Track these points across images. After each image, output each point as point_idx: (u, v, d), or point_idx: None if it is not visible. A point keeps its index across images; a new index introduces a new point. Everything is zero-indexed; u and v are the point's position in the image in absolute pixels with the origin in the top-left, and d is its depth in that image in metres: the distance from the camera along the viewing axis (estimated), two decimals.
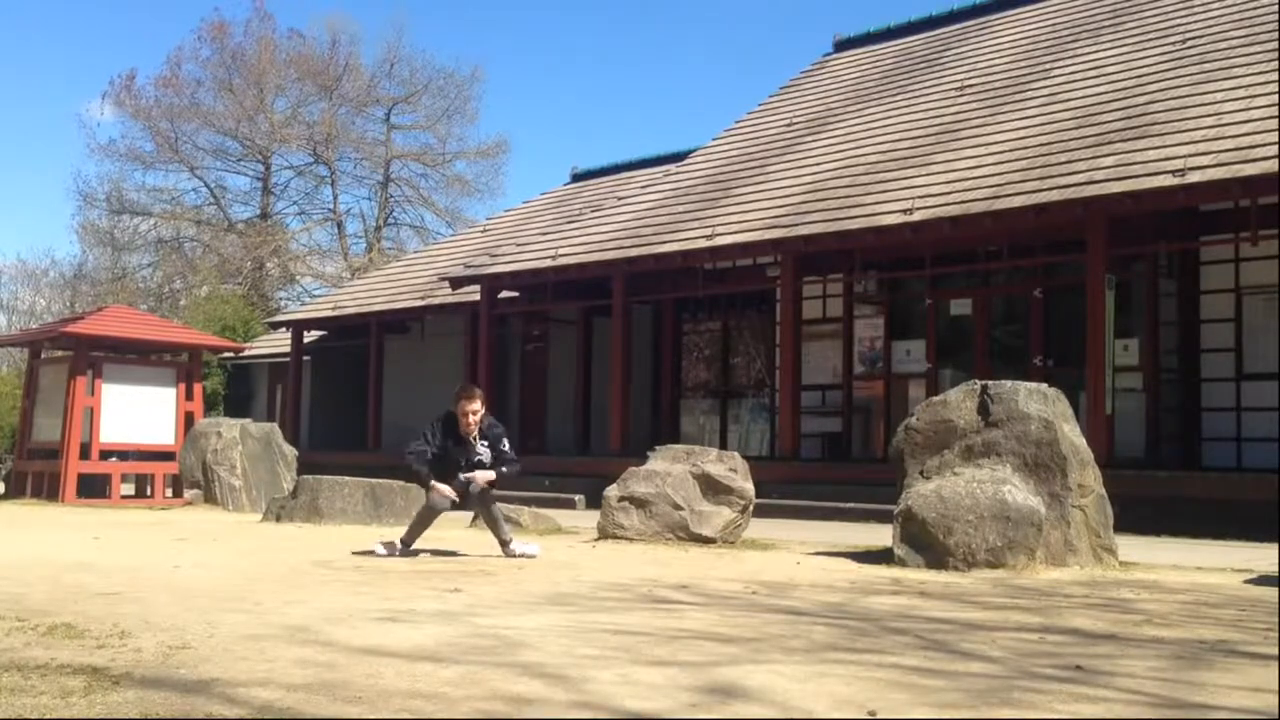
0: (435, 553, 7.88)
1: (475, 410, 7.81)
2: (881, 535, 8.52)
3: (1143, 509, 10.14)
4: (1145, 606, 5.53)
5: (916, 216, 13.29)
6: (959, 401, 7.76)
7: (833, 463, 15.04)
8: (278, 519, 10.70)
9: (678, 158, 21.37)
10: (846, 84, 19.81)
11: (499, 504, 8.13)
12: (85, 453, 14.91)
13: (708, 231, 15.52)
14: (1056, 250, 13.24)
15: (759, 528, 9.47)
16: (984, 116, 15.52)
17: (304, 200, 40.86)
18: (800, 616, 5.00)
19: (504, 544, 7.74)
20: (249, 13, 50.50)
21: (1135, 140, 12.62)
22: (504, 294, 18.93)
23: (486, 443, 7.87)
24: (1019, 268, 14.13)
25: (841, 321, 16.17)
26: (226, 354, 22.97)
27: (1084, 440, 7.69)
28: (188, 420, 15.20)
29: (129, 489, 15.73)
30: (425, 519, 7.82)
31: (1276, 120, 11.50)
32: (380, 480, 11.25)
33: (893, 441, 8.26)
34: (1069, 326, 13.56)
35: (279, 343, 25.07)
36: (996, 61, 17.55)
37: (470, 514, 10.39)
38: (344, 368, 23.02)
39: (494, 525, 7.92)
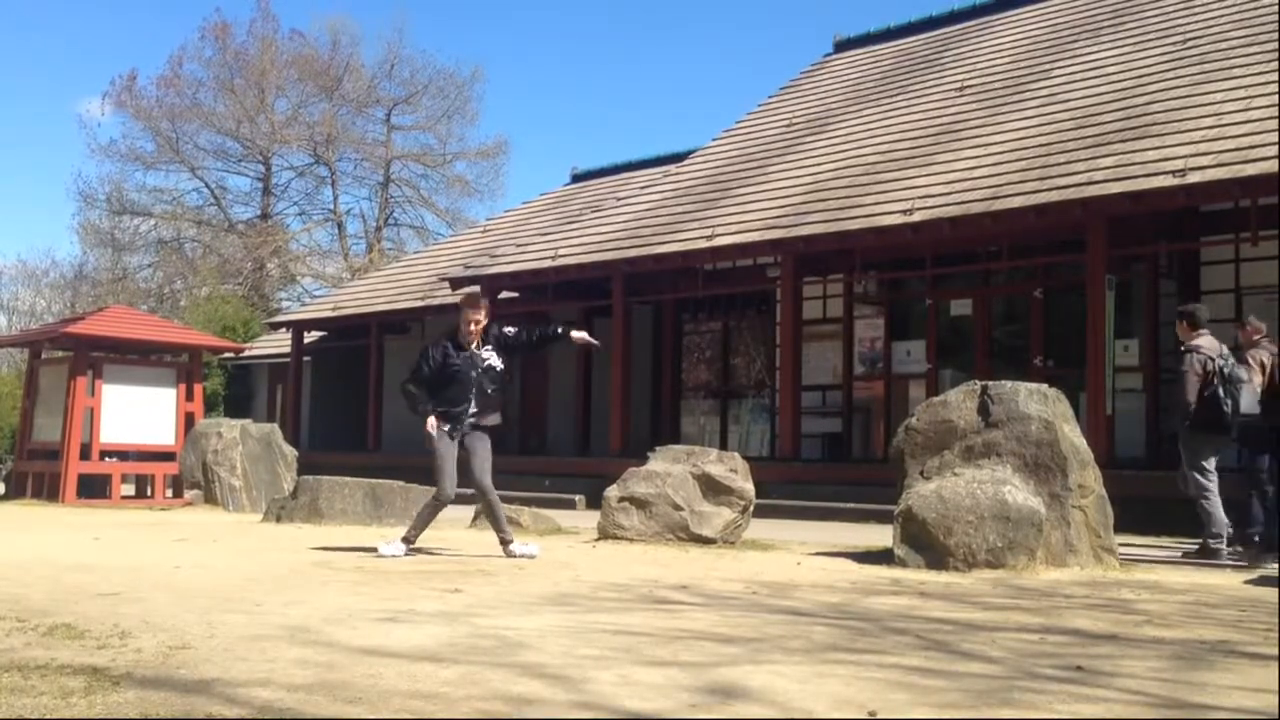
0: (434, 553, 7.87)
1: (478, 320, 7.63)
2: (882, 535, 8.53)
3: (1143, 509, 10.14)
4: (1145, 607, 5.53)
5: (916, 217, 13.29)
6: (959, 402, 7.76)
7: (833, 463, 15.04)
8: (278, 519, 10.69)
9: (678, 158, 21.37)
10: (846, 84, 19.82)
11: (503, 505, 8.03)
12: (85, 453, 14.90)
13: (707, 232, 15.53)
14: (1056, 250, 13.24)
15: (759, 528, 9.47)
16: (984, 117, 15.53)
17: (304, 201, 40.91)
18: (800, 617, 5.00)
19: (504, 543, 7.70)
20: (253, 13, 50.51)
21: (1135, 140, 12.62)
22: (504, 294, 18.91)
23: (490, 348, 7.67)
24: (1019, 268, 14.13)
25: (841, 322, 16.17)
26: (227, 354, 22.96)
27: (1084, 440, 7.69)
28: (188, 421, 15.19)
29: (129, 489, 15.72)
30: (430, 514, 7.76)
31: (1276, 120, 11.50)
32: (380, 480, 11.25)
33: (893, 442, 8.27)
34: (1069, 326, 13.55)
35: (279, 343, 25.07)
36: (996, 62, 17.55)
37: (471, 514, 10.40)
38: (344, 368, 23.02)
39: (494, 518, 7.79)
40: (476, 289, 7.99)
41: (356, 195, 55.87)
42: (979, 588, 6.27)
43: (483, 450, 7.69)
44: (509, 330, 7.82)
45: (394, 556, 7.42)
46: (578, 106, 65.40)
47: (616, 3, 64.67)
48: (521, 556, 7.53)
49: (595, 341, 8.41)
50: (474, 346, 7.63)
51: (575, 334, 8.07)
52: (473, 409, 7.60)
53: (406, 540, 7.67)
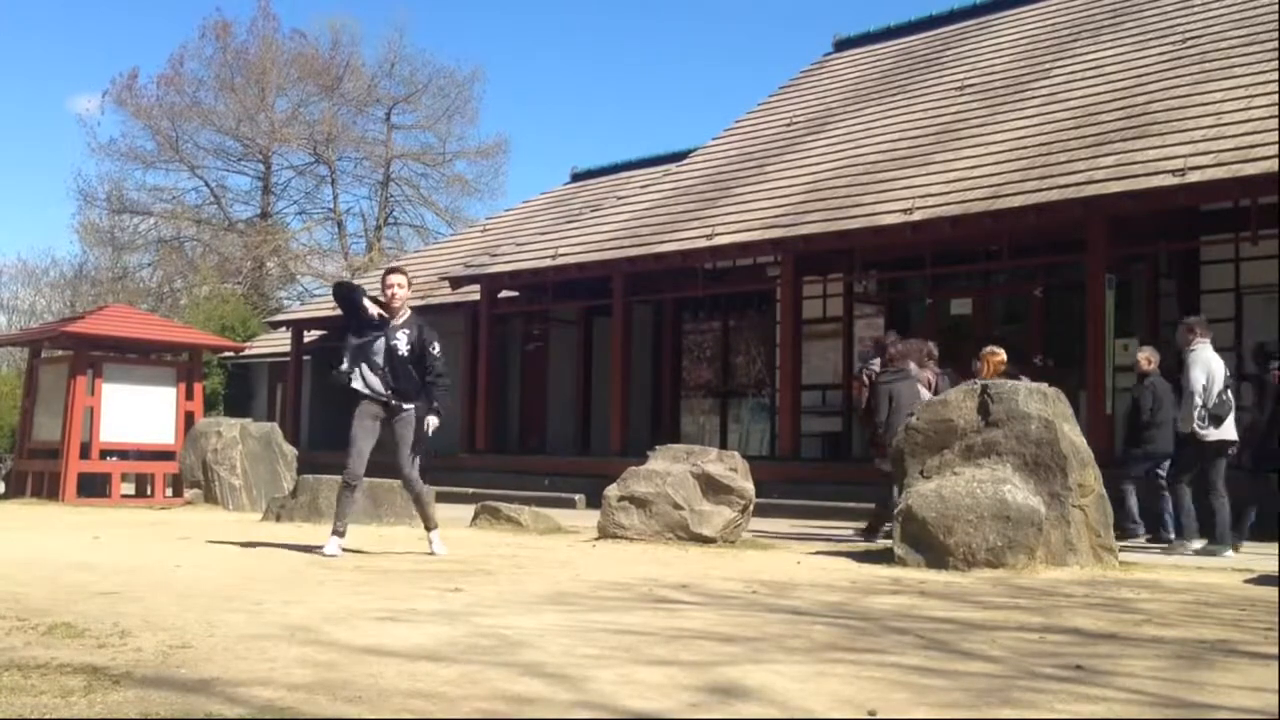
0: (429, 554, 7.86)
1: (399, 284, 7.58)
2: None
3: (1143, 508, 10.14)
4: (1145, 606, 5.53)
5: (916, 216, 13.29)
6: (959, 401, 7.76)
7: (833, 462, 15.03)
8: (278, 518, 10.70)
9: (677, 157, 21.37)
10: (846, 84, 19.81)
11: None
12: (85, 452, 14.88)
13: (707, 231, 15.52)
14: (1056, 250, 13.24)
15: (759, 527, 9.47)
16: (983, 116, 15.52)
17: (304, 200, 40.86)
18: (800, 616, 5.00)
19: (427, 526, 7.71)
20: (254, 12, 50.47)
21: (1135, 140, 12.62)
22: (504, 294, 18.92)
23: (409, 334, 7.54)
24: (1019, 268, 14.13)
25: (841, 321, 16.17)
26: (227, 353, 22.95)
27: (1084, 440, 7.70)
28: (188, 420, 15.18)
29: (129, 488, 15.70)
30: (344, 499, 7.64)
31: (1276, 120, 11.50)
32: (380, 480, 11.21)
33: (893, 441, 8.27)
34: (1069, 326, 13.56)
35: (279, 342, 25.06)
36: (996, 61, 17.55)
37: (470, 513, 10.39)
38: None
39: (420, 508, 7.73)
40: (402, 264, 7.98)
41: (356, 194, 55.90)
42: (979, 587, 6.27)
43: (405, 436, 7.61)
44: (433, 349, 7.57)
45: (332, 555, 7.26)
46: (578, 106, 65.41)
47: (616, 3, 64.69)
48: (434, 553, 7.51)
49: (430, 424, 7.76)
50: (394, 320, 7.56)
51: (429, 419, 7.65)
52: (385, 386, 7.49)
53: (336, 533, 7.52)
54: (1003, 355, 10.10)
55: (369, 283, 25.20)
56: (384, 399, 7.55)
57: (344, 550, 7.44)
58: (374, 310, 7.62)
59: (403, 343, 7.56)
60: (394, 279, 7.71)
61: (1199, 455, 9.27)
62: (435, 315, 20.84)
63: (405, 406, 7.60)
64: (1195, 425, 9.17)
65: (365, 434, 7.57)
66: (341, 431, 7.93)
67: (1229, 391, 9.32)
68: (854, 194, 14.72)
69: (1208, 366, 9.29)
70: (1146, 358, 10.07)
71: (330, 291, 8.11)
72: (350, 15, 62.77)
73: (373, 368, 7.55)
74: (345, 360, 7.60)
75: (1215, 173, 11.15)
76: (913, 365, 10.50)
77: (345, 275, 35.49)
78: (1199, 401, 9.16)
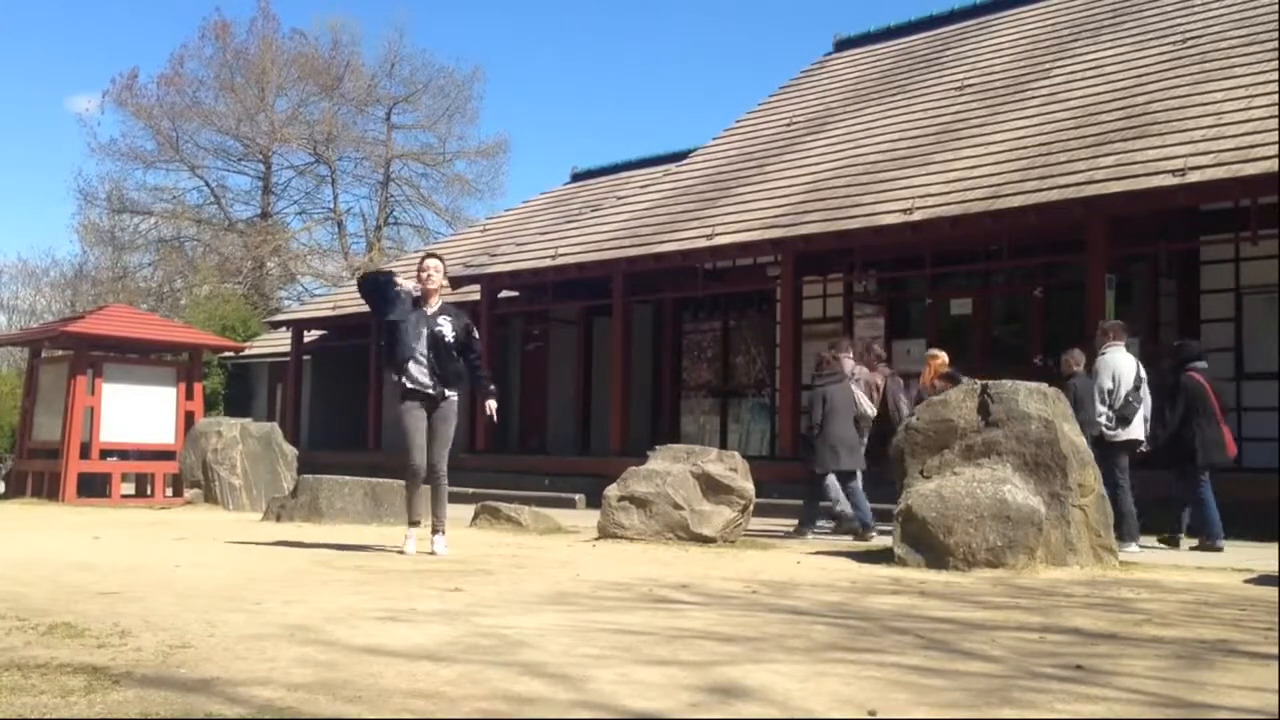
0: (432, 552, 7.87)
1: (436, 269, 7.65)
2: (881, 535, 8.54)
3: (1143, 509, 10.13)
4: (1145, 606, 5.53)
5: (916, 216, 13.29)
6: (959, 401, 7.77)
7: None
8: (278, 518, 10.69)
9: (677, 157, 21.38)
10: (846, 84, 19.82)
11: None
12: (85, 452, 14.88)
13: (707, 231, 15.52)
14: (1056, 250, 13.24)
15: (759, 527, 9.47)
16: (983, 116, 15.52)
17: (304, 200, 40.87)
18: (800, 616, 5.00)
19: (434, 531, 7.69)
20: (253, 12, 50.54)
21: (1135, 140, 12.62)
22: (504, 294, 18.92)
23: (449, 319, 7.61)
24: (1019, 268, 14.13)
25: (842, 321, 16.17)
26: (227, 353, 22.94)
27: (1084, 440, 7.70)
28: (188, 420, 15.18)
29: (129, 488, 15.70)
30: (412, 491, 7.73)
31: (1276, 120, 11.50)
32: (380, 480, 11.24)
33: (893, 441, 8.28)
34: (1069, 326, 13.54)
35: (279, 342, 25.07)
36: (996, 61, 17.55)
37: (471, 513, 10.40)
38: (344, 367, 23.01)
39: (437, 503, 7.72)
40: (441, 255, 8.02)
41: (356, 194, 55.84)
42: (979, 587, 6.27)
43: (445, 431, 7.65)
44: (475, 335, 7.74)
45: (411, 554, 7.45)
46: (578, 106, 65.44)
47: (616, 3, 64.70)
48: (435, 553, 7.53)
49: (491, 407, 7.85)
50: (429, 308, 7.59)
51: (489, 403, 7.75)
52: (432, 375, 7.51)
53: (413, 524, 7.71)
54: (944, 358, 10.36)
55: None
56: (430, 390, 7.55)
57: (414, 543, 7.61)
58: (408, 286, 7.66)
59: (448, 330, 7.59)
60: (431, 263, 7.74)
61: (1104, 454, 9.37)
62: None
63: (449, 394, 7.62)
64: (1102, 426, 9.38)
65: (418, 426, 7.58)
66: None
67: (1140, 392, 9.52)
68: (854, 194, 14.72)
69: (1114, 369, 9.54)
70: (1072, 360, 10.11)
71: (356, 284, 8.09)
72: (350, 15, 62.89)
73: (415, 360, 7.54)
74: (393, 356, 7.58)
75: (1215, 173, 11.15)
76: (848, 366, 10.63)
77: (346, 275, 35.54)
78: (1100, 404, 9.41)
